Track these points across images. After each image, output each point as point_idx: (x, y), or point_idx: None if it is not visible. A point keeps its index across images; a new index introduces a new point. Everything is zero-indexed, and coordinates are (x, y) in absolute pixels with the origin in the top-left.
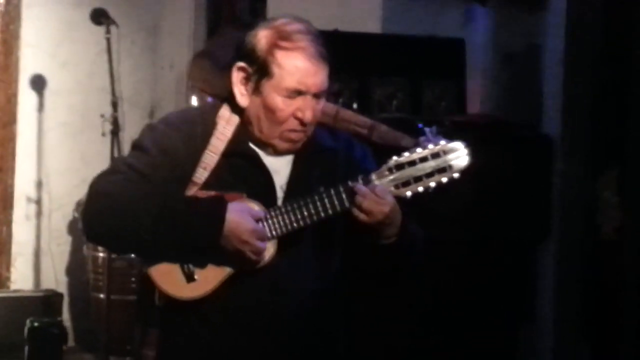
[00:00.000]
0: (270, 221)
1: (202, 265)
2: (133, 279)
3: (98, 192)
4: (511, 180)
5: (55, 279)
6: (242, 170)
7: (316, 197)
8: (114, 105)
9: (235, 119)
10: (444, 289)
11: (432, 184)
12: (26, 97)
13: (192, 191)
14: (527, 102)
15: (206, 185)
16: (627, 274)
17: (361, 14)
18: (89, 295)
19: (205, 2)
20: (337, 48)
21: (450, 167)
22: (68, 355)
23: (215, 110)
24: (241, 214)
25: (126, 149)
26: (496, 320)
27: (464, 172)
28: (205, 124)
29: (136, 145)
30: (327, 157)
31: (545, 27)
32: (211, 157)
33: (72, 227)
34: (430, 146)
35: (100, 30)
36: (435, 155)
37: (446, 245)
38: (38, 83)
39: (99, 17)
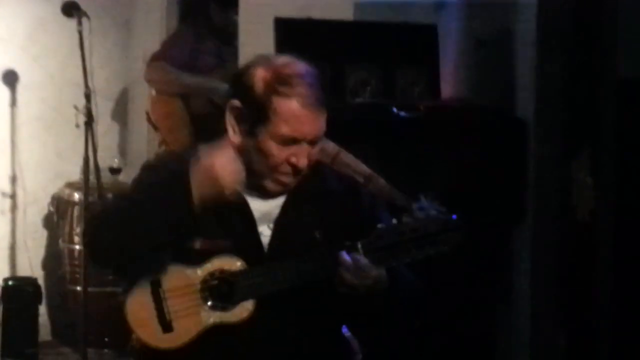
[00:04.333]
0: (248, 282)
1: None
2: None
3: (92, 221)
4: (486, 163)
5: (32, 273)
6: (227, 219)
7: (298, 261)
8: (87, 97)
9: None
10: (419, 270)
11: (420, 257)
12: None
13: None
14: (500, 86)
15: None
16: (599, 255)
17: (333, 2)
18: (66, 289)
19: None
20: (310, 36)
21: (442, 241)
22: (46, 349)
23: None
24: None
25: (100, 141)
26: (473, 300)
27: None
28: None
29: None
30: (327, 200)
31: (516, 11)
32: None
33: (47, 221)
34: (422, 216)
35: (72, 24)
36: (426, 227)
37: None
38: (10, 78)
39: (70, 9)
